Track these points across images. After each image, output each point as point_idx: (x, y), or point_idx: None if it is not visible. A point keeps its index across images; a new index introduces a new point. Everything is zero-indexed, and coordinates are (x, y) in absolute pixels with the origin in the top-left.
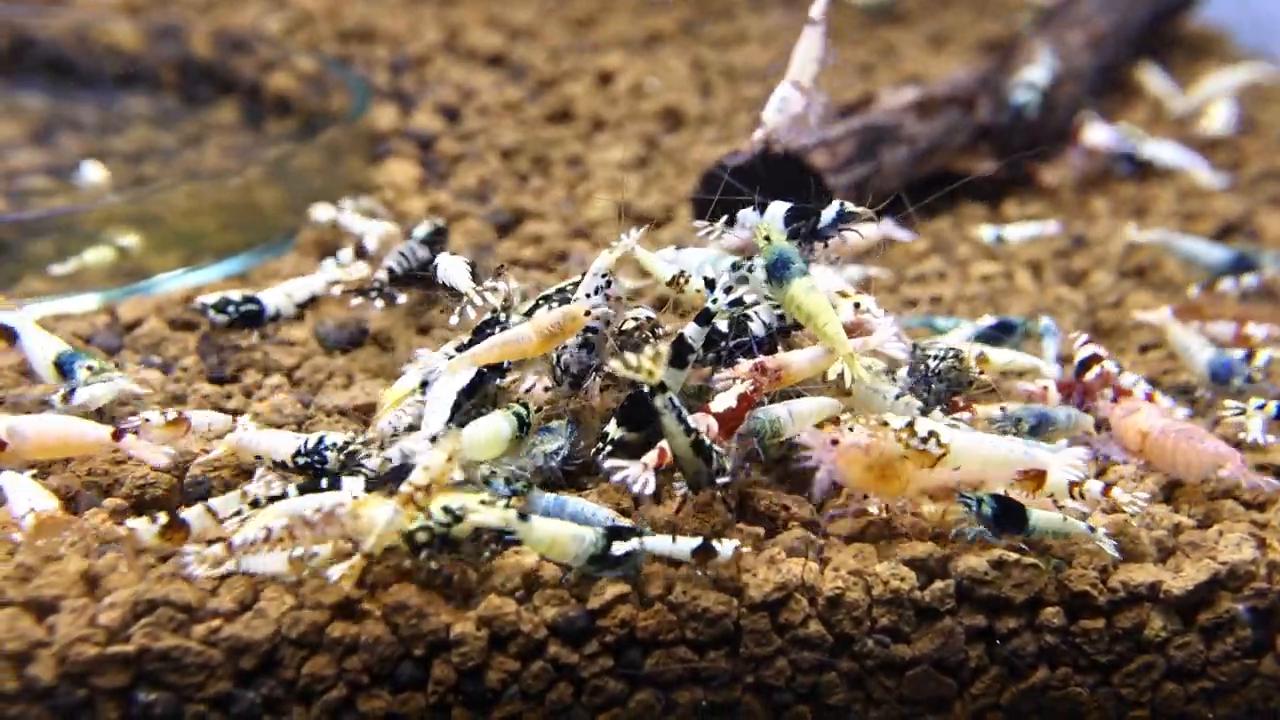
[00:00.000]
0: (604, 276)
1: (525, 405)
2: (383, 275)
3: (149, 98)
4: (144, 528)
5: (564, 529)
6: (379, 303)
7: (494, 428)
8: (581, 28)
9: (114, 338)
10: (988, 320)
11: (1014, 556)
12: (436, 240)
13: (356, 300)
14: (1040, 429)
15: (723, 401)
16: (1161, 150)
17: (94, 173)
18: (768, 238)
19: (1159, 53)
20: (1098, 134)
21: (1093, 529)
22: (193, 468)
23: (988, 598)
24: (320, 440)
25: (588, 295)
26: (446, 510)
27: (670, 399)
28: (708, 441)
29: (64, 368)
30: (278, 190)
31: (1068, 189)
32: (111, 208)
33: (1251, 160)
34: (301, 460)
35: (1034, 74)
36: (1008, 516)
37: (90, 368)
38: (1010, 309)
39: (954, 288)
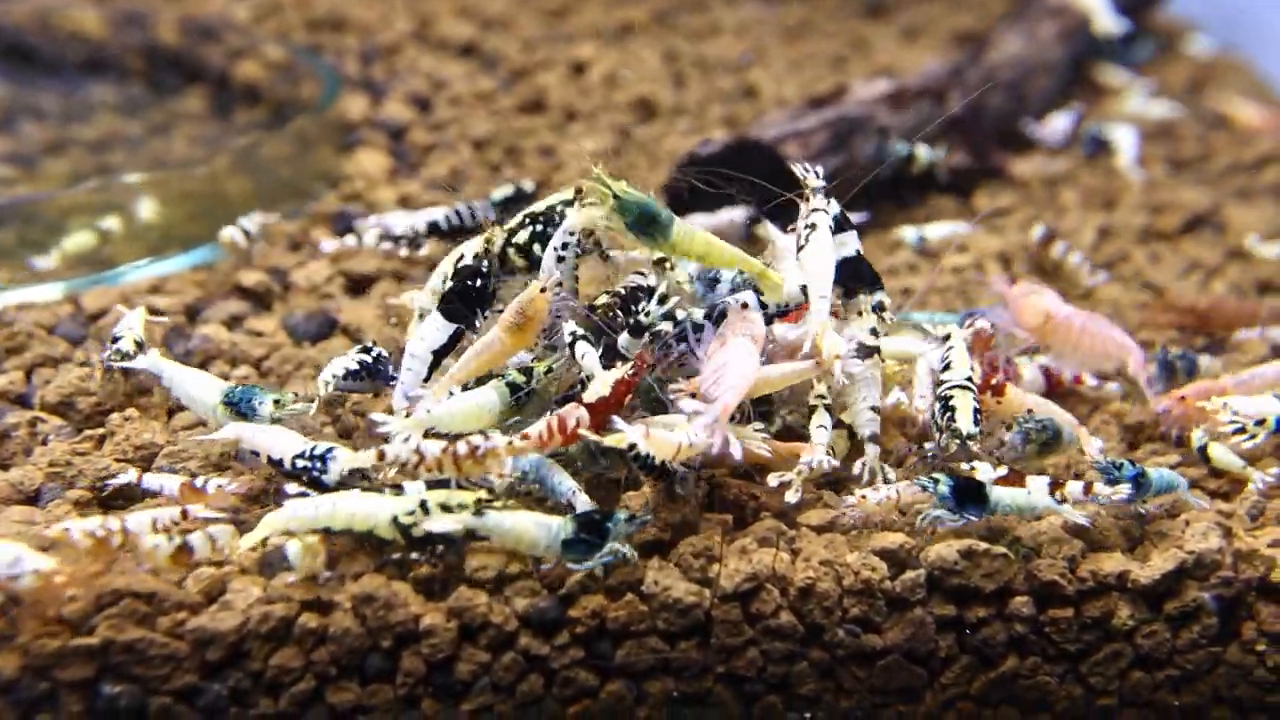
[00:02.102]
0: (572, 234)
1: (529, 371)
2: (421, 226)
3: (114, 85)
4: (163, 547)
5: (527, 520)
6: (404, 250)
7: (479, 401)
8: (554, 18)
9: (78, 328)
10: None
11: (983, 546)
12: (514, 204)
13: (387, 245)
14: None
15: (595, 391)
16: (1116, 130)
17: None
18: (615, 195)
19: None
20: (1057, 122)
21: (1061, 500)
22: (159, 459)
23: (957, 587)
24: (329, 450)
25: (554, 250)
26: (443, 507)
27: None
28: (670, 466)
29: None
30: (246, 180)
31: (1038, 182)
32: (76, 197)
33: (1219, 154)
34: (301, 464)
35: (924, 150)
36: (966, 495)
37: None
38: (980, 301)
39: (926, 278)
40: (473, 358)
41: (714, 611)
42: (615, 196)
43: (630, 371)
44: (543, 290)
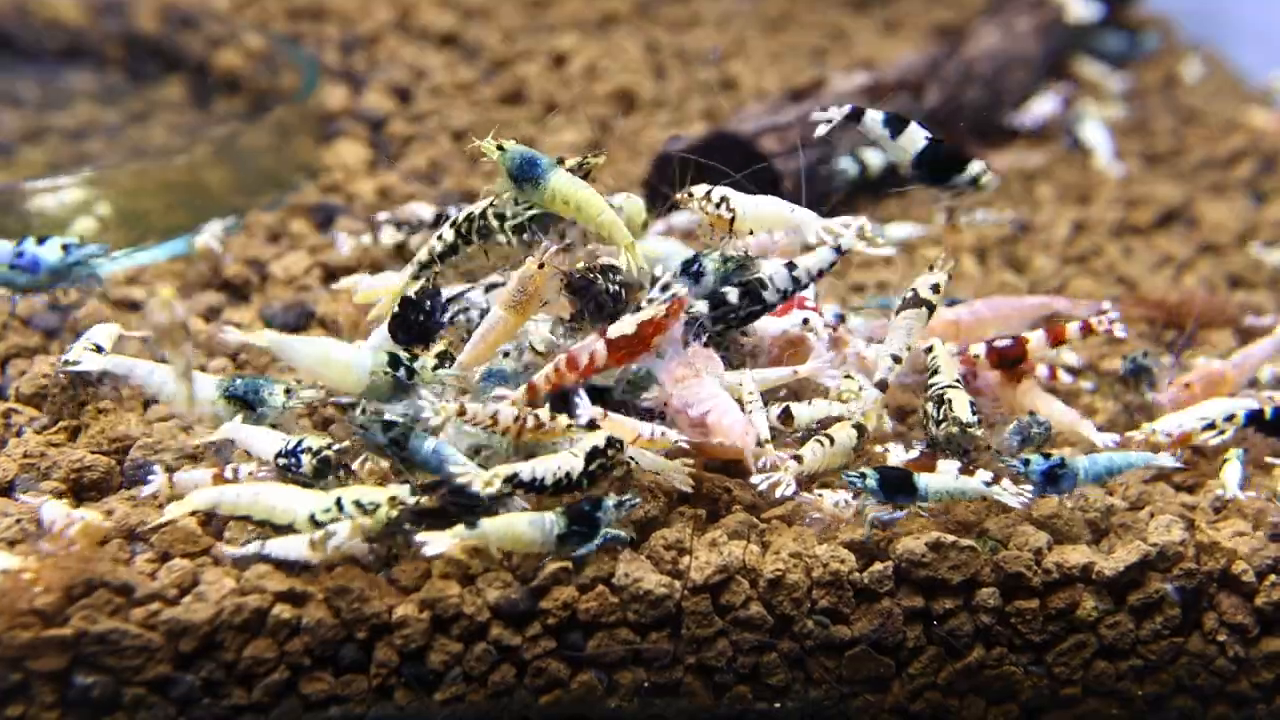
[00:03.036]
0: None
1: (412, 354)
2: (427, 216)
3: (93, 73)
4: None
5: (519, 521)
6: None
7: (348, 358)
8: (536, 8)
9: (55, 319)
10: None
11: (950, 539)
12: None
13: (389, 231)
14: None
15: (619, 327)
16: (1091, 130)
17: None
18: (500, 148)
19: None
20: (1045, 104)
21: (989, 484)
22: (133, 450)
23: (925, 579)
24: (299, 443)
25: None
26: (358, 504)
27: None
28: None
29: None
30: (225, 170)
31: (1013, 176)
32: (55, 186)
33: (1193, 149)
34: (281, 461)
35: (872, 153)
36: (895, 485)
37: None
38: (955, 294)
39: (900, 272)
40: (480, 340)
41: (684, 603)
42: (499, 148)
43: (661, 313)
44: (540, 266)
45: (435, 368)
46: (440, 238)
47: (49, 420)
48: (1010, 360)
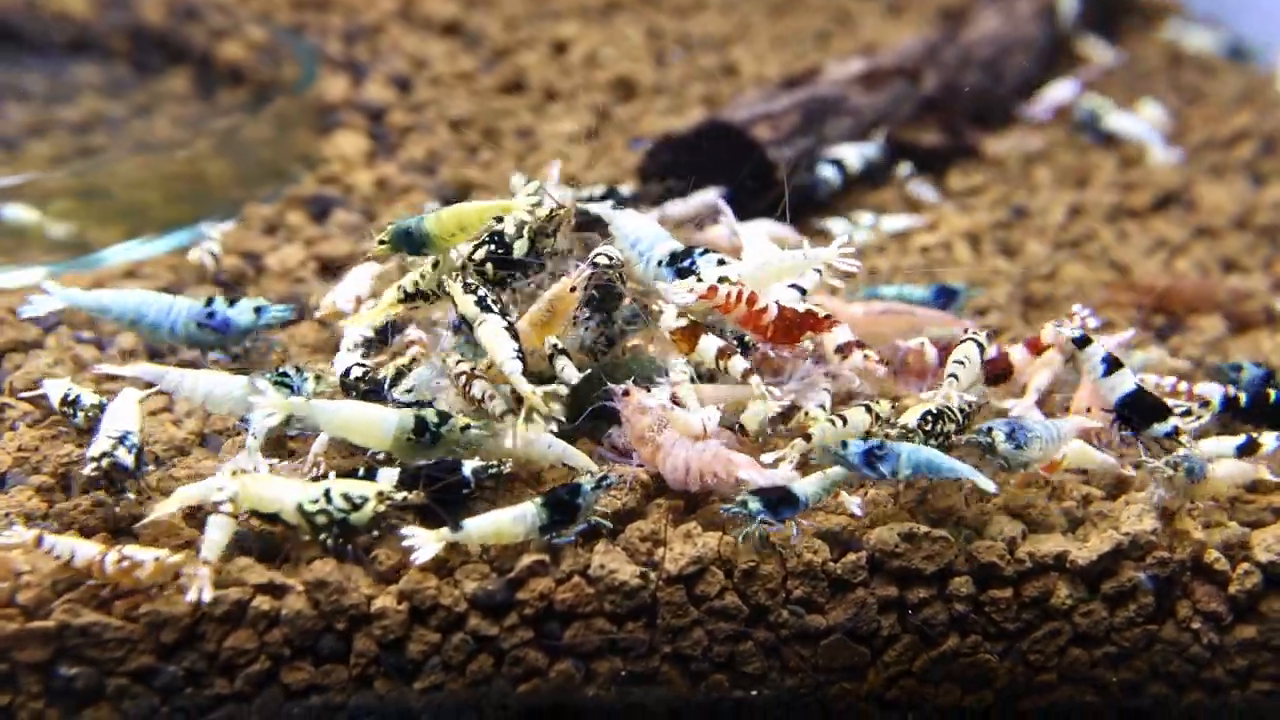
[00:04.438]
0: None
1: (444, 415)
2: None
3: (99, 66)
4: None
5: (502, 517)
6: None
7: (376, 416)
8: None
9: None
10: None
11: (924, 529)
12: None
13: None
14: None
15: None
16: (1123, 121)
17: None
18: (381, 241)
19: (1114, 19)
20: (1061, 90)
21: (851, 463)
22: None
23: (899, 569)
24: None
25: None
26: (346, 498)
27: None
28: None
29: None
30: (225, 162)
31: (1013, 160)
32: (58, 180)
33: (1194, 130)
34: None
35: (849, 152)
36: (778, 502)
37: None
38: (948, 278)
39: (892, 259)
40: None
41: (659, 593)
42: (381, 242)
43: (821, 316)
44: (572, 290)
45: (464, 429)
46: (424, 275)
47: (42, 414)
48: (998, 374)
